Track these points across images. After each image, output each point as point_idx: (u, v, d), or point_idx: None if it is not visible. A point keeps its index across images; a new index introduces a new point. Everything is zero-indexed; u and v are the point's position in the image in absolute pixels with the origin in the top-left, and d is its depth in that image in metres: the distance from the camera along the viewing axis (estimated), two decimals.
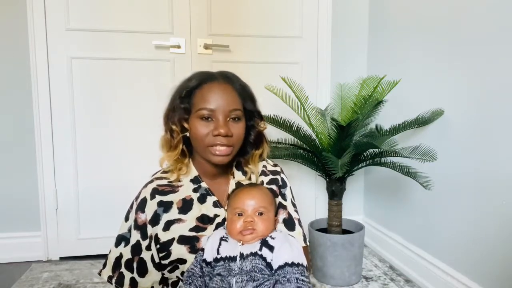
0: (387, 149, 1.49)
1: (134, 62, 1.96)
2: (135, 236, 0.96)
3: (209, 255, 0.88)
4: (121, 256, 0.97)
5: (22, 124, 1.91)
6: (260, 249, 0.84)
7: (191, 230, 0.95)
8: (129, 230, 0.97)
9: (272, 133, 1.88)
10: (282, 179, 1.08)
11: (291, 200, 1.07)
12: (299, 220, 1.04)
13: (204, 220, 0.97)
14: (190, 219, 0.96)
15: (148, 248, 0.96)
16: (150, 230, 0.95)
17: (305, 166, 1.82)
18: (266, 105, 1.80)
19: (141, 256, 0.96)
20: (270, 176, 1.07)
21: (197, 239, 0.95)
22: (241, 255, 0.84)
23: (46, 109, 1.91)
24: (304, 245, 1.01)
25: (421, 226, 1.73)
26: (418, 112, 1.63)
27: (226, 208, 0.99)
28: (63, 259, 2.00)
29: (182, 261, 0.94)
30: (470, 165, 1.44)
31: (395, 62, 1.92)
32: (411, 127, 1.63)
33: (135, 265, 0.97)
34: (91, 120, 1.96)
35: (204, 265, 0.87)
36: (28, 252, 1.96)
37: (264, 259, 0.82)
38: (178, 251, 0.94)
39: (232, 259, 0.83)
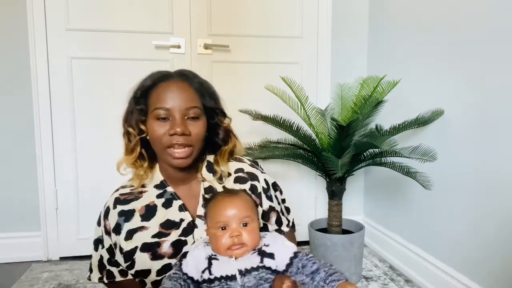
0: (387, 149, 1.49)
1: (134, 62, 1.96)
2: (107, 240, 0.97)
3: (193, 273, 0.82)
4: (101, 258, 0.99)
5: (22, 124, 1.91)
6: (262, 261, 0.80)
7: (153, 236, 0.92)
8: (102, 234, 0.99)
9: (272, 133, 1.88)
10: (264, 180, 1.01)
11: (276, 197, 1.04)
12: (286, 209, 1.05)
13: (169, 226, 0.93)
14: (154, 225, 0.93)
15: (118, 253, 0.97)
16: (114, 238, 0.95)
17: (305, 166, 1.82)
18: (266, 105, 1.82)
19: (115, 258, 0.98)
20: (250, 183, 0.99)
21: (158, 244, 0.92)
22: (240, 271, 0.79)
23: (46, 109, 1.91)
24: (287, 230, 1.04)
25: (421, 226, 1.73)
26: (418, 112, 1.63)
27: (203, 217, 0.94)
28: (63, 259, 2.00)
29: (147, 272, 0.91)
30: (470, 165, 1.44)
31: (395, 62, 1.92)
32: (411, 127, 1.63)
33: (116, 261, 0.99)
34: (91, 120, 1.96)
35: (186, 277, 0.82)
36: (28, 252, 1.96)
37: (269, 268, 0.80)
38: (141, 259, 0.91)
39: (231, 278, 0.78)
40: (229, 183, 0.99)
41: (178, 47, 1.98)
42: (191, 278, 0.82)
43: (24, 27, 1.86)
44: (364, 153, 1.68)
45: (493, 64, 1.32)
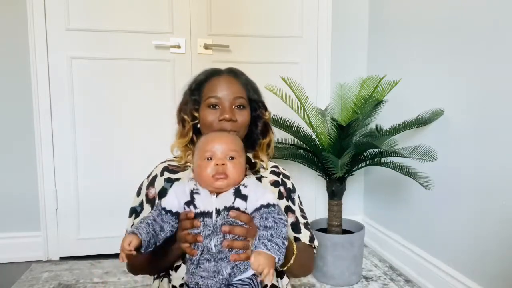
0: (387, 149, 1.49)
1: (134, 62, 1.96)
2: (147, 209, 1.01)
3: (171, 205, 0.85)
4: (133, 225, 1.02)
5: (22, 124, 1.91)
6: (234, 201, 0.82)
7: None
8: (140, 204, 1.03)
9: None
10: (292, 184, 1.11)
11: (299, 205, 1.10)
12: (305, 224, 1.07)
13: None
14: None
15: None
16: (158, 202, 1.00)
17: (305, 166, 1.82)
18: (266, 105, 1.81)
19: None
20: (282, 178, 1.09)
21: None
22: (217, 211, 0.81)
23: (46, 109, 1.91)
24: (308, 243, 1.03)
25: (421, 226, 1.73)
26: (418, 112, 1.63)
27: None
28: (63, 259, 2.00)
29: None
30: (470, 165, 1.44)
31: (395, 62, 1.92)
32: (411, 127, 1.63)
33: None
34: (91, 120, 1.96)
35: (164, 212, 0.85)
36: (28, 252, 1.96)
37: (237, 209, 0.82)
38: None
39: (207, 214, 0.82)
40: (265, 174, 1.07)
41: (178, 47, 1.98)
42: (170, 211, 0.84)
43: (24, 27, 1.86)
44: (364, 153, 1.68)
45: (493, 64, 1.32)
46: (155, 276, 1.03)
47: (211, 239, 0.80)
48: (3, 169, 1.93)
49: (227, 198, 0.82)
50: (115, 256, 1.96)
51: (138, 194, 1.05)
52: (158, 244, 0.84)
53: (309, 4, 2.11)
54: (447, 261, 1.56)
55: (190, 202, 0.84)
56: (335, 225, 1.77)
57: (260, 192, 0.84)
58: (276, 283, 0.96)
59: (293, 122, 1.75)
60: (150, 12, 1.96)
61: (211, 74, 1.07)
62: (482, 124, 1.38)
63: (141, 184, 1.06)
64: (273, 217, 0.80)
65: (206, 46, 2.00)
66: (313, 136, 1.77)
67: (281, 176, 1.09)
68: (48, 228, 1.97)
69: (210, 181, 0.82)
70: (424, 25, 1.69)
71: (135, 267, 1.01)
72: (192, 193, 0.85)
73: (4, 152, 1.92)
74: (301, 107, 1.72)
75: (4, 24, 1.86)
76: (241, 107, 1.02)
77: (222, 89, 1.01)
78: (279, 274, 1.01)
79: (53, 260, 1.99)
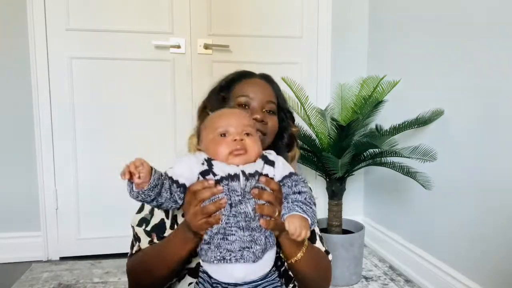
0: (387, 149, 1.49)
1: (134, 62, 1.96)
2: (159, 215, 0.94)
3: (179, 174, 0.75)
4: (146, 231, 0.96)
5: (22, 124, 1.91)
6: (263, 167, 0.76)
7: None
8: (150, 212, 0.95)
9: None
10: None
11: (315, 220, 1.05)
12: (320, 237, 1.02)
13: None
14: None
15: (172, 227, 0.94)
16: (171, 211, 0.94)
17: (305, 166, 1.82)
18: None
19: (164, 235, 0.94)
20: None
21: None
22: (243, 173, 0.73)
23: (46, 109, 1.91)
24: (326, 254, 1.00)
25: (421, 226, 1.73)
26: (418, 112, 1.63)
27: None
28: (63, 259, 2.00)
29: None
30: (470, 165, 1.44)
31: (395, 62, 1.92)
32: (411, 127, 1.63)
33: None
34: (91, 120, 1.96)
35: (171, 182, 0.74)
36: (28, 252, 1.96)
37: (266, 175, 0.77)
38: None
39: (233, 177, 0.73)
40: None
41: (178, 47, 1.98)
42: (177, 182, 0.74)
43: (24, 27, 1.86)
44: (364, 153, 1.68)
45: (493, 64, 1.32)
46: None
47: (246, 204, 0.72)
48: (3, 169, 1.93)
49: (255, 164, 0.76)
50: (115, 256, 1.96)
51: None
52: (159, 202, 0.75)
53: (309, 4, 2.11)
54: (447, 261, 1.56)
55: (208, 171, 0.73)
56: (335, 225, 1.77)
57: (284, 161, 0.81)
58: None
59: None
60: (150, 12, 1.96)
61: (243, 76, 1.03)
62: (482, 124, 1.38)
63: None
64: (302, 185, 0.78)
65: (206, 46, 2.00)
66: (313, 136, 1.77)
67: None
68: (48, 228, 1.97)
69: (227, 157, 0.74)
70: (424, 25, 1.69)
71: (141, 273, 0.93)
72: (208, 160, 0.75)
73: (4, 152, 1.92)
74: (301, 107, 1.72)
75: (4, 24, 1.86)
76: (271, 112, 0.97)
77: (254, 90, 0.97)
78: (287, 282, 0.95)
79: (53, 260, 1.98)
